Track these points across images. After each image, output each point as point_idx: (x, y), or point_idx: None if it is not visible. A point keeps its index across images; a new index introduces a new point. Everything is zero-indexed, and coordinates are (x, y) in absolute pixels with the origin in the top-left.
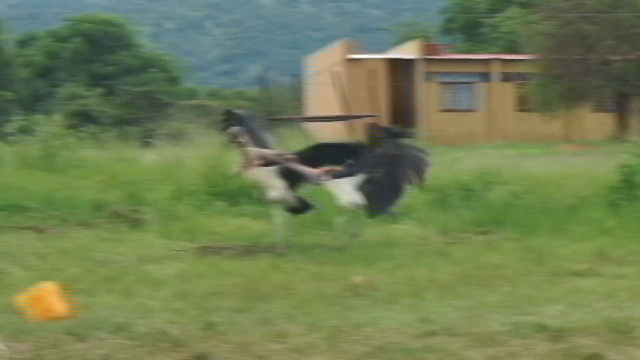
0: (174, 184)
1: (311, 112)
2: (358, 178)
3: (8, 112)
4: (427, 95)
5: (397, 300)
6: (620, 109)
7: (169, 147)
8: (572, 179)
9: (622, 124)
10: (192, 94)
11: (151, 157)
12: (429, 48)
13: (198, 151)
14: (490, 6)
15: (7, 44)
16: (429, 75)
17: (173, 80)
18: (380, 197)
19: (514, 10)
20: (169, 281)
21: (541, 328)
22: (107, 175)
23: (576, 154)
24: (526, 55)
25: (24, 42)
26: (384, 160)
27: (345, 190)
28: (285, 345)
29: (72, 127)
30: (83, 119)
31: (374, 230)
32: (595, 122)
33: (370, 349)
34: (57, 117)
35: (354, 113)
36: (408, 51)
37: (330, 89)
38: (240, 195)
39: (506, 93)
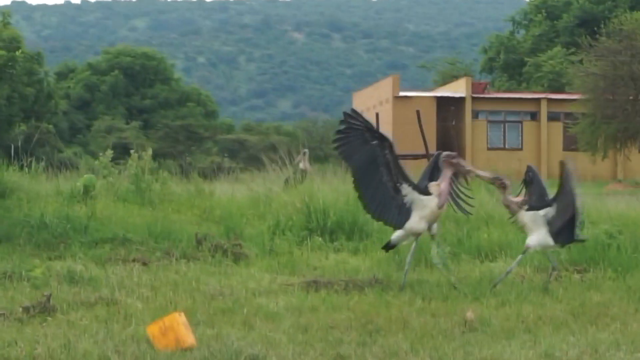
0: (270, 218)
1: None
2: (551, 209)
3: (49, 144)
4: (475, 134)
5: (513, 336)
6: None
7: (251, 181)
8: None
9: None
10: (229, 128)
11: (242, 191)
12: (476, 86)
13: (286, 186)
14: (533, 45)
15: (47, 75)
16: (477, 113)
17: (210, 114)
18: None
19: (557, 50)
20: (285, 314)
21: None
22: (200, 209)
23: (632, 194)
24: (575, 95)
25: (61, 74)
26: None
27: (538, 224)
28: None
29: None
30: (121, 151)
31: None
32: None
33: None
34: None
35: (405, 151)
36: (456, 89)
37: (384, 126)
38: (338, 231)
39: (554, 132)
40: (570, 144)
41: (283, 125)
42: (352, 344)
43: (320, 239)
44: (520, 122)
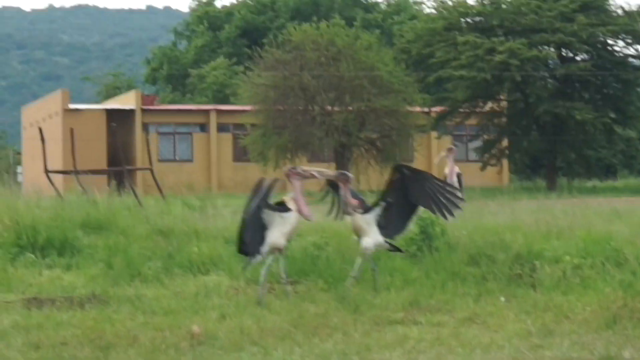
0: None
1: (27, 165)
2: (379, 209)
3: None
4: (146, 146)
5: (241, 348)
6: (340, 159)
7: None
8: None
9: None
10: None
11: None
12: (146, 99)
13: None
14: (196, 56)
15: None
16: (147, 126)
17: None
18: (392, 223)
19: (220, 61)
20: (12, 332)
21: None
22: None
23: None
24: (246, 106)
25: None
26: (397, 185)
27: (371, 226)
28: None
29: None
30: None
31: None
32: None
33: None
34: None
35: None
36: (125, 102)
37: (53, 141)
38: (49, 247)
39: (224, 143)
40: (241, 155)
41: None
42: None
43: (32, 255)
44: (190, 134)
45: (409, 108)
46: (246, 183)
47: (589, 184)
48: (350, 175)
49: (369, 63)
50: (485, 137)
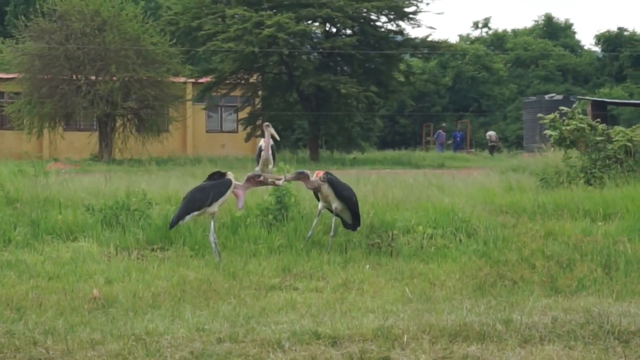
0: None
1: None
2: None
3: None
4: None
5: (147, 311)
6: (103, 128)
7: None
8: None
9: (106, 144)
10: None
11: None
12: None
13: None
14: None
15: None
16: None
17: None
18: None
19: None
20: None
21: (316, 335)
22: None
23: (77, 172)
24: (10, 75)
25: None
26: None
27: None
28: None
29: None
30: None
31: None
32: (80, 141)
33: (185, 355)
34: None
35: None
36: None
37: None
38: None
39: None
40: (4, 123)
41: None
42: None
43: None
44: None
45: (174, 79)
46: (4, 151)
47: (350, 156)
48: (306, 172)
49: (134, 34)
50: (251, 109)
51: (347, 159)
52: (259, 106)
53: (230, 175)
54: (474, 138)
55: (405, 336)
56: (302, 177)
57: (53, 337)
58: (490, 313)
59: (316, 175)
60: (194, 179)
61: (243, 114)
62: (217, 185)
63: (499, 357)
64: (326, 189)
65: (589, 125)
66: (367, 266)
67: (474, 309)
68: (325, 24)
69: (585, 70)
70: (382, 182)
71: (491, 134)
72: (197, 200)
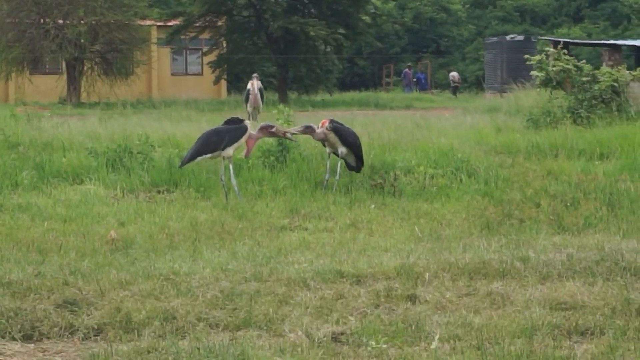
0: None
1: None
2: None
3: None
4: None
5: (165, 252)
6: (71, 71)
7: None
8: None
9: (73, 87)
10: None
11: None
12: None
13: None
14: None
15: None
16: None
17: None
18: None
19: None
20: None
21: (340, 274)
22: None
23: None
24: None
25: None
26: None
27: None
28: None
29: None
30: None
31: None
32: (46, 85)
33: (216, 293)
34: None
35: None
36: None
37: None
38: None
39: None
40: None
41: None
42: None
43: None
44: None
45: (141, 22)
46: None
47: (317, 98)
48: (312, 125)
49: None
50: (218, 52)
51: (315, 101)
52: (226, 50)
53: (247, 122)
54: (434, 79)
55: (427, 274)
56: (309, 130)
57: (83, 278)
58: (503, 251)
59: (322, 125)
60: (184, 122)
61: (211, 57)
62: (233, 130)
63: (521, 293)
64: (333, 137)
65: (575, 66)
66: (373, 206)
67: (487, 247)
68: None
69: (543, 10)
70: (370, 124)
71: (454, 74)
72: (212, 143)
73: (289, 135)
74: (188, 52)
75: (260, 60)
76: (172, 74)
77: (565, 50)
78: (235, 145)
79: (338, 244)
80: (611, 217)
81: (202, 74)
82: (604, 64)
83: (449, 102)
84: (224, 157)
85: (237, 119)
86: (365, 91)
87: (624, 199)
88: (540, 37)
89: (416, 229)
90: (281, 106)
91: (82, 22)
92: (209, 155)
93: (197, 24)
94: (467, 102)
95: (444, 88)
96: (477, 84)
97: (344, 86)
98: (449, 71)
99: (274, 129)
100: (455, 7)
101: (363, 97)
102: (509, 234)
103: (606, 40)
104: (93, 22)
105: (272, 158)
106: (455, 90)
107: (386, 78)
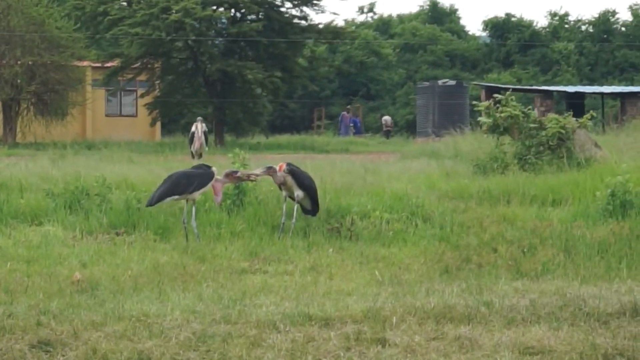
0: None
1: None
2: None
3: None
4: None
5: (131, 294)
6: (7, 112)
7: None
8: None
9: (9, 128)
10: None
11: None
12: None
13: None
14: None
15: None
16: None
17: None
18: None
19: None
20: None
21: (308, 317)
22: None
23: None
24: None
25: None
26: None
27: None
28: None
29: None
30: None
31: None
32: None
33: (189, 335)
34: None
35: None
36: None
37: None
38: None
39: None
40: None
41: None
42: None
43: None
44: None
45: (78, 64)
46: None
47: (253, 140)
48: (274, 166)
49: (39, 18)
50: (155, 94)
51: (251, 143)
52: (162, 92)
53: (214, 169)
54: (365, 122)
55: (394, 318)
56: (271, 171)
57: (55, 319)
58: (465, 295)
59: (279, 168)
60: (128, 164)
61: (148, 99)
62: (202, 175)
63: (488, 338)
64: (290, 180)
65: (522, 112)
66: (331, 250)
67: (449, 292)
68: (231, 10)
69: (473, 55)
70: (319, 168)
71: (387, 118)
72: (182, 185)
73: (252, 177)
74: (123, 93)
75: (197, 103)
76: (107, 115)
77: (512, 97)
78: (202, 190)
79: (300, 288)
80: (568, 263)
81: (136, 116)
82: (535, 109)
83: (384, 147)
84: (187, 200)
85: (206, 165)
86: (297, 134)
87: (580, 245)
88: (473, 83)
89: (377, 273)
90: (237, 150)
91: (18, 62)
92: (177, 197)
93: (134, 66)
94: (401, 146)
95: (376, 132)
96: (407, 128)
97: (274, 129)
98: (381, 115)
99: (238, 174)
100: (385, 52)
101: (298, 140)
102: (468, 278)
103: (538, 86)
104: (30, 63)
105: (228, 201)
106: (387, 134)
107: (317, 121)
